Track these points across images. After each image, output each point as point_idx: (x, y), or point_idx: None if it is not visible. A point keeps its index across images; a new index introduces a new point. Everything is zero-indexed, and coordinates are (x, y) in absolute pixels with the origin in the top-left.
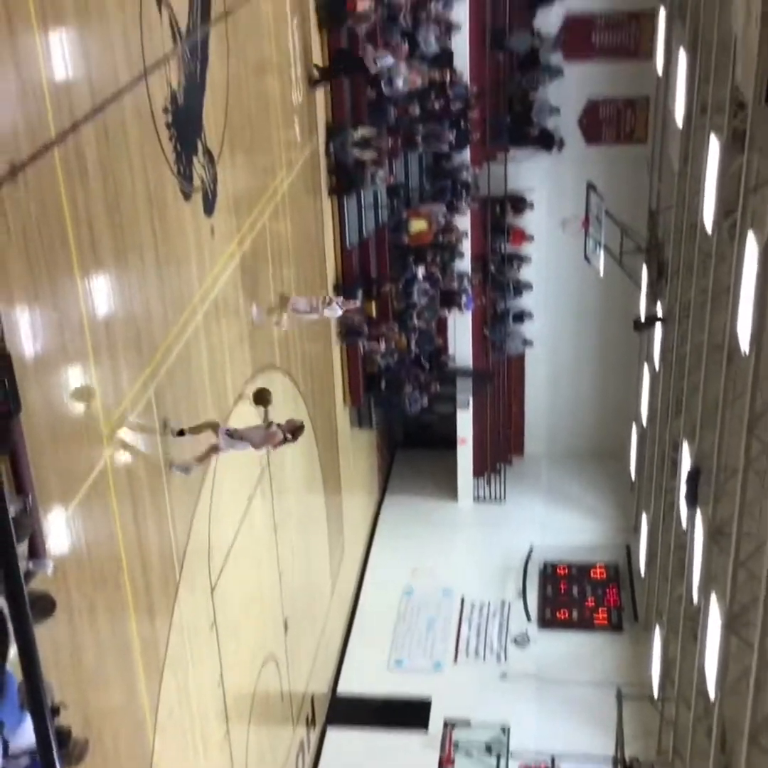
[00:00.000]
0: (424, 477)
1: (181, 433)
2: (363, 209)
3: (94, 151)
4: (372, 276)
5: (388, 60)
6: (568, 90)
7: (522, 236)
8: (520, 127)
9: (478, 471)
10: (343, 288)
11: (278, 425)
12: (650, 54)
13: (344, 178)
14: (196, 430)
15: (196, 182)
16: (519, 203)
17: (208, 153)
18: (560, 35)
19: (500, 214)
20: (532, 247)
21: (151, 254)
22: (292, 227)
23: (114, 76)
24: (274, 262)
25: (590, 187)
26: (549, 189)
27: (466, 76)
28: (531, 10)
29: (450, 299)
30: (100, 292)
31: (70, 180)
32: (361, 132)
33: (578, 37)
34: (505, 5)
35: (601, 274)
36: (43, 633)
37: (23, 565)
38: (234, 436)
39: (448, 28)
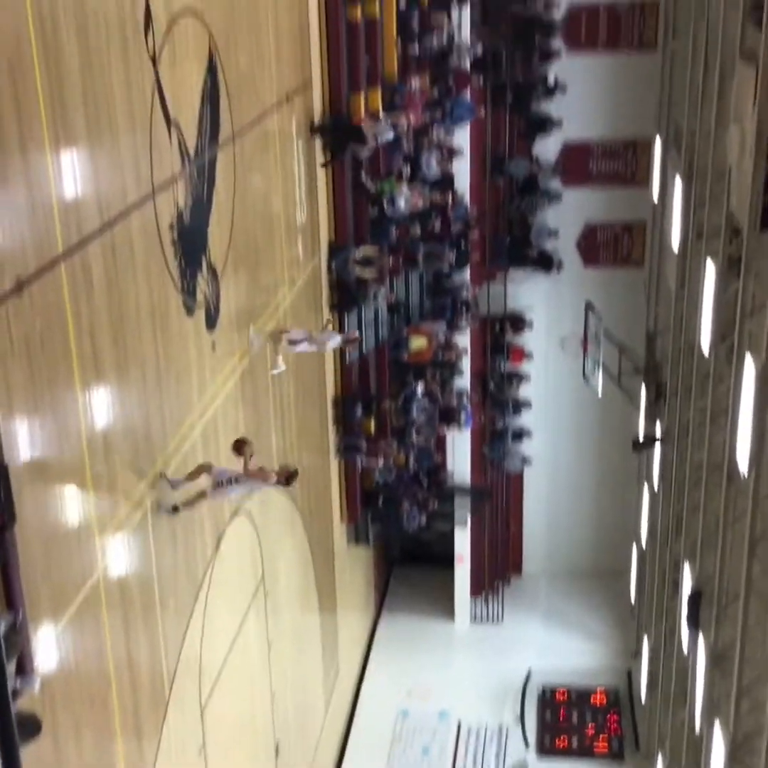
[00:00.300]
0: (421, 595)
1: (175, 509)
2: (364, 326)
3: (101, 267)
4: (371, 392)
5: (389, 134)
6: (567, 214)
7: (521, 354)
8: (519, 248)
9: (476, 590)
10: (343, 402)
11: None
12: (646, 180)
13: (346, 295)
14: (189, 504)
15: (199, 297)
16: (518, 322)
17: (212, 269)
18: (558, 162)
19: (500, 333)
20: (531, 365)
21: (152, 368)
22: None
23: (122, 195)
24: (273, 377)
25: (589, 307)
26: (548, 309)
27: (467, 199)
28: (530, 137)
29: (449, 416)
30: (100, 405)
31: (75, 294)
32: (363, 251)
33: (576, 164)
34: (505, 133)
35: (600, 393)
36: (27, 752)
37: (11, 683)
38: (223, 484)
39: (449, 153)
